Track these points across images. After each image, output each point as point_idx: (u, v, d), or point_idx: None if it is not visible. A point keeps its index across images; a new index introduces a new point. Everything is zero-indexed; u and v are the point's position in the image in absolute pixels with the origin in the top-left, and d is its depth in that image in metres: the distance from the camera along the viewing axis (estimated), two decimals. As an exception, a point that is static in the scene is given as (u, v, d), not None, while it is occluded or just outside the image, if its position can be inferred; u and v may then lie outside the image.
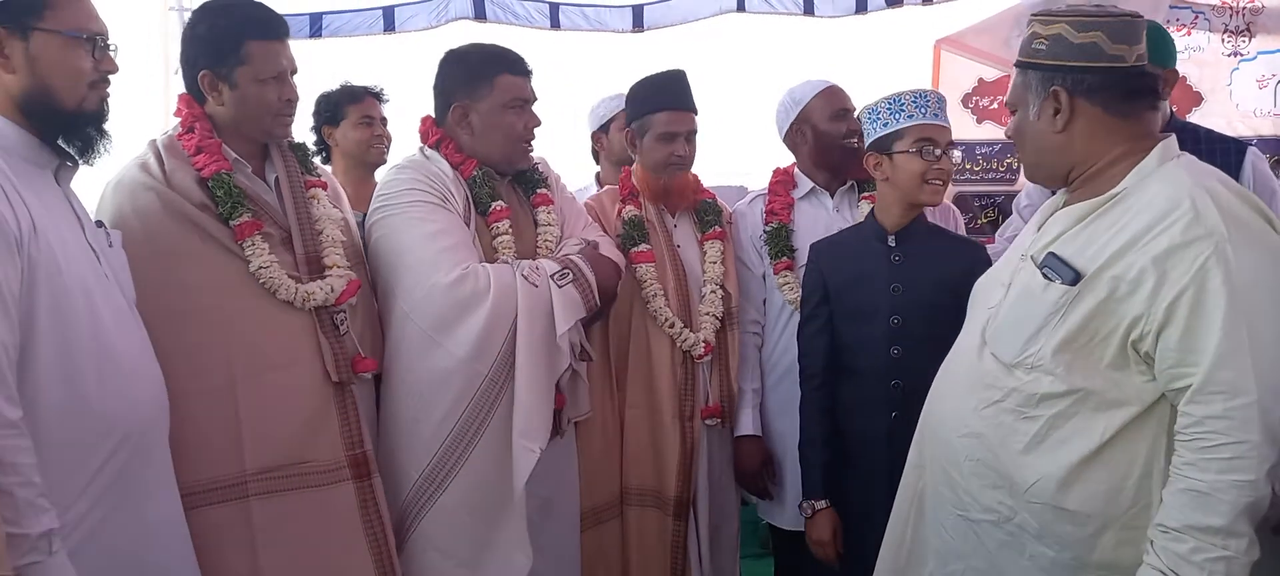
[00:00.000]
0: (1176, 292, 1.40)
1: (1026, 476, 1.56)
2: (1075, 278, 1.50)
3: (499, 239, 2.26)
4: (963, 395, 1.68)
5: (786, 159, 2.76)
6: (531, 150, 2.36)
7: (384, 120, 3.26)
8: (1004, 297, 1.66)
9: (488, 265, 2.15)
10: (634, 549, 2.49)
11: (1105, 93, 1.55)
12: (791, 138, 2.67)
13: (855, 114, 2.55)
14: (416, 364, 2.12)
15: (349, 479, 2.07)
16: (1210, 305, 1.38)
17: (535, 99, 2.34)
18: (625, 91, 2.81)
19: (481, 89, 2.26)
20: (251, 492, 1.97)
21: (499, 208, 2.28)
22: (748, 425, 2.57)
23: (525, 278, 2.12)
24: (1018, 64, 1.66)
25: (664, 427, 2.47)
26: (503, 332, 2.08)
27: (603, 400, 2.46)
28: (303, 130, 2.50)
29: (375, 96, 3.26)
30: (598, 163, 3.52)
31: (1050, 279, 1.54)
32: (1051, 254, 1.56)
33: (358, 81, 3.28)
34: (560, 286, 2.14)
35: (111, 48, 1.71)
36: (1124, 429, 1.48)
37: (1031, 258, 1.61)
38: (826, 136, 2.58)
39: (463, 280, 2.09)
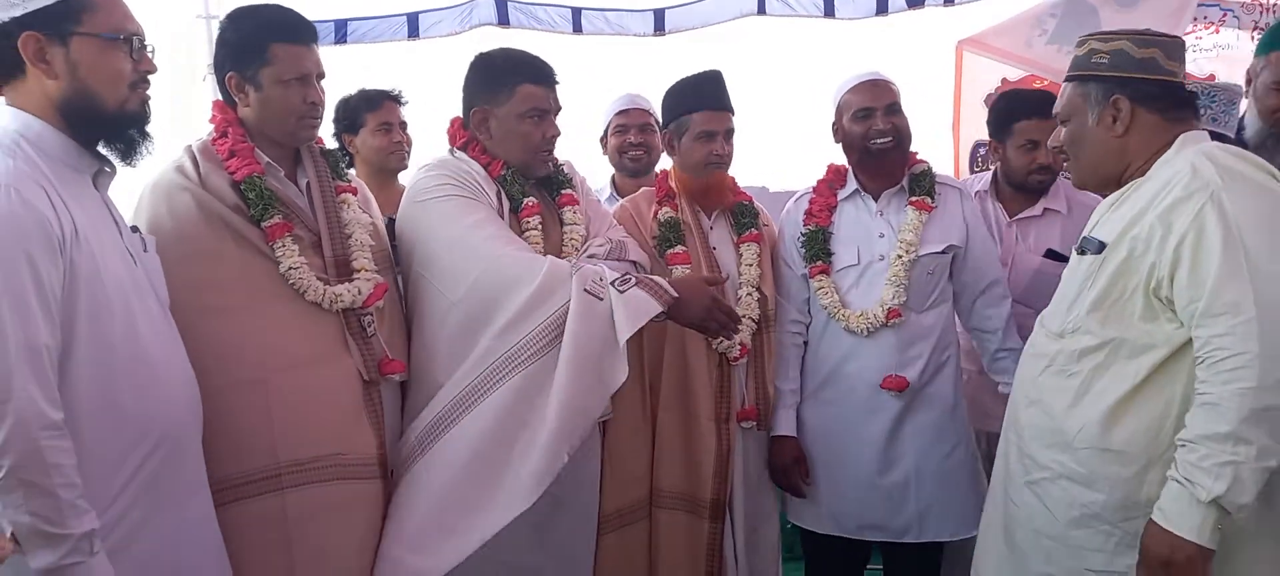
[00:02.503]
0: (1180, 237, 1.61)
1: (1072, 427, 1.75)
2: (1101, 247, 1.75)
3: (528, 234, 2.26)
4: (1026, 371, 1.92)
5: (806, 154, 2.75)
6: (550, 159, 2.36)
7: (403, 124, 3.26)
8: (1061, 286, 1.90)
9: (550, 257, 2.13)
10: (662, 552, 2.48)
11: (1161, 101, 1.76)
12: (835, 133, 2.64)
13: (885, 110, 2.50)
14: (457, 348, 2.11)
15: (378, 477, 2.10)
16: (1208, 240, 1.58)
17: (557, 109, 2.33)
18: (611, 100, 2.85)
19: (502, 95, 2.27)
20: (285, 485, 2.00)
21: (530, 203, 2.29)
22: (784, 425, 2.56)
23: (585, 289, 2.05)
24: (1074, 77, 1.85)
25: (699, 430, 2.45)
26: (540, 316, 2.03)
27: (634, 402, 2.45)
28: (324, 137, 2.53)
29: (394, 100, 3.26)
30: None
31: (1083, 254, 1.80)
32: (1086, 236, 1.82)
33: (380, 87, 3.29)
34: (622, 291, 2.06)
35: (149, 48, 1.72)
36: (1157, 371, 1.67)
37: (1077, 247, 1.85)
38: (850, 135, 2.54)
39: (530, 261, 2.08)
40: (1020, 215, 2.77)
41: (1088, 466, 1.73)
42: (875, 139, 2.50)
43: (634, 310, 2.04)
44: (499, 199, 2.26)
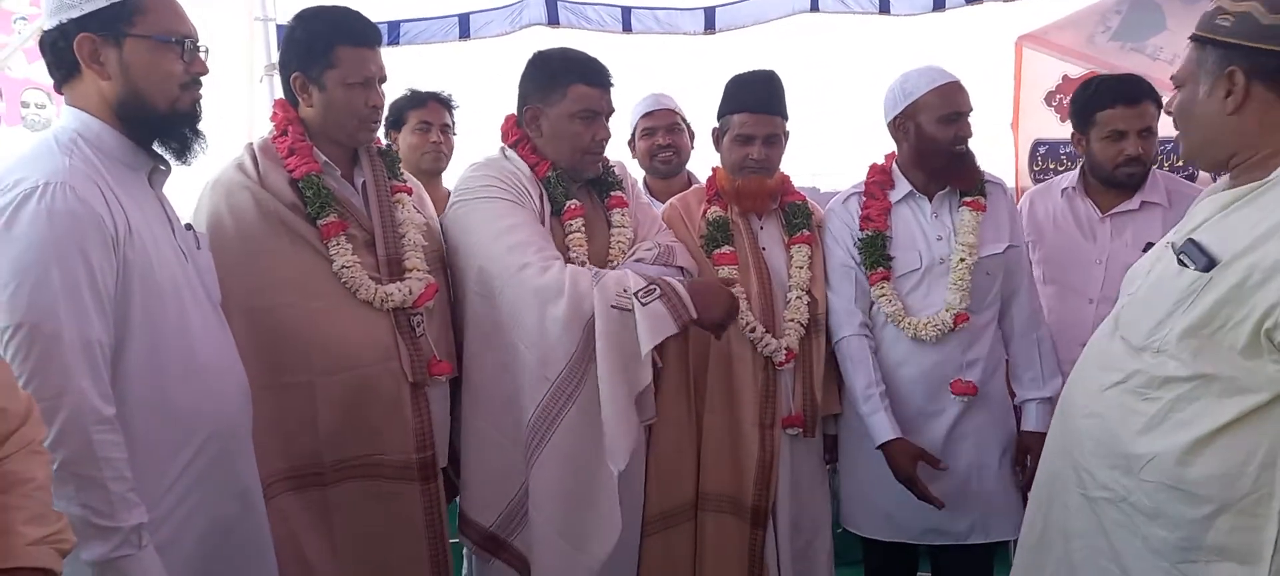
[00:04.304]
0: None
1: (1142, 455, 1.55)
2: (1209, 264, 1.47)
3: (571, 237, 2.26)
4: (1090, 377, 1.69)
5: (860, 153, 2.67)
6: (598, 161, 2.35)
7: (446, 127, 3.27)
8: (1143, 283, 1.65)
9: (571, 267, 2.13)
10: (709, 555, 2.44)
11: None
12: (894, 129, 2.53)
13: (968, 115, 2.44)
14: (497, 355, 2.15)
15: (416, 480, 2.11)
16: None
17: (609, 110, 2.31)
18: (635, 102, 2.81)
19: (554, 95, 2.26)
20: (328, 482, 2.04)
21: (573, 206, 2.28)
22: (887, 428, 2.41)
23: (611, 305, 2.06)
24: (1195, 38, 1.60)
25: (743, 435, 2.42)
26: (574, 340, 2.06)
27: (679, 404, 2.43)
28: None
29: (441, 102, 3.27)
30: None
31: (1185, 265, 1.51)
32: (1190, 240, 1.53)
33: (429, 87, 3.31)
34: (645, 304, 2.06)
35: (201, 49, 1.75)
36: (1248, 414, 1.44)
37: (1172, 244, 1.58)
38: (933, 140, 2.44)
39: (544, 270, 2.08)
40: (1115, 209, 2.63)
41: (1154, 500, 1.54)
42: (960, 144, 2.44)
43: (654, 325, 2.04)
44: (541, 201, 2.26)
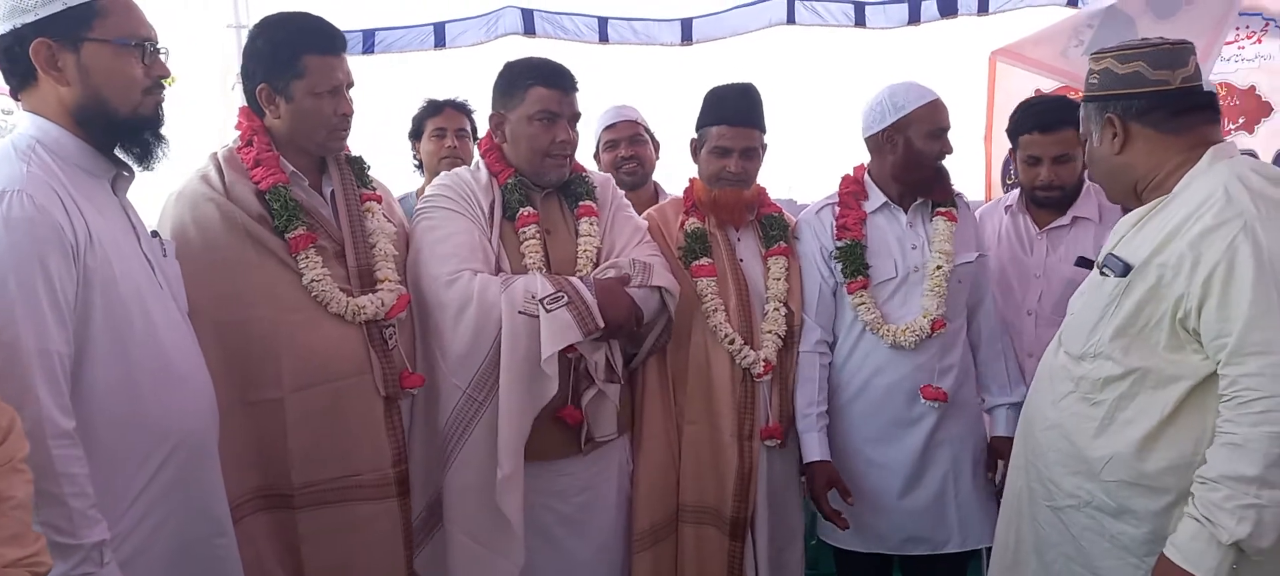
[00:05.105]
0: (1210, 268, 1.54)
1: (1100, 457, 1.70)
2: (1126, 270, 1.68)
3: (526, 244, 2.24)
4: (1045, 393, 1.85)
5: (836, 165, 2.68)
6: (563, 164, 2.32)
7: (461, 131, 3.29)
8: (1079, 303, 1.84)
9: (481, 276, 2.15)
10: (690, 566, 2.43)
11: (1154, 114, 1.72)
12: (879, 141, 2.53)
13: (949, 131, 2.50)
14: (428, 365, 2.19)
15: (394, 496, 2.08)
16: (1239, 275, 1.52)
17: (570, 113, 2.29)
18: (597, 114, 2.81)
19: (515, 99, 2.27)
20: (298, 504, 1.99)
21: (526, 213, 2.27)
22: (816, 449, 2.47)
23: (518, 311, 2.08)
24: (1083, 99, 1.85)
25: (723, 446, 2.41)
26: (484, 349, 2.09)
27: (657, 416, 2.42)
28: (364, 146, 2.58)
29: (456, 108, 3.31)
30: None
31: (1106, 275, 1.73)
32: (1110, 254, 1.75)
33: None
34: (549, 310, 2.08)
35: (162, 51, 1.71)
36: (1184, 403, 1.61)
37: (1099, 263, 1.78)
38: (920, 154, 2.46)
39: (451, 283, 2.13)
40: (1050, 226, 2.71)
41: (1117, 498, 1.68)
42: (942, 158, 2.49)
43: (557, 332, 2.07)
44: (491, 209, 2.26)
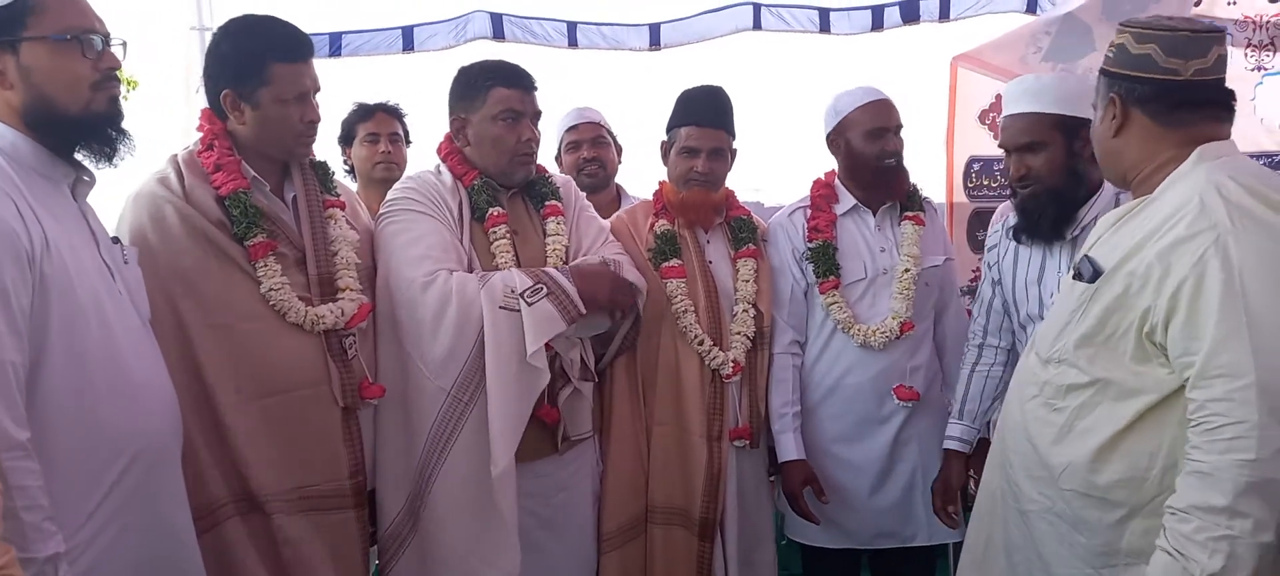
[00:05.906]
0: (1178, 283, 1.45)
1: (1057, 464, 1.63)
2: (1095, 275, 1.59)
3: (497, 244, 2.25)
4: (1016, 394, 1.80)
5: (802, 168, 2.73)
6: (528, 163, 2.34)
7: (394, 136, 3.26)
8: (1053, 305, 1.79)
9: (457, 275, 2.13)
10: (659, 567, 2.45)
11: (1155, 103, 1.61)
12: (831, 145, 2.61)
13: (895, 130, 2.52)
14: (399, 370, 2.15)
15: (351, 506, 2.07)
16: (1208, 293, 1.43)
17: (532, 112, 2.31)
18: (560, 116, 2.86)
19: (476, 101, 2.27)
20: (270, 510, 1.98)
21: (495, 213, 2.27)
22: (791, 448, 2.52)
23: (499, 306, 2.08)
24: (1099, 71, 1.73)
25: (691, 447, 2.43)
26: (467, 348, 2.08)
27: (626, 417, 2.44)
28: (327, 149, 2.58)
29: (388, 112, 3.27)
30: None
31: (1078, 278, 1.64)
32: (1085, 256, 1.66)
33: (375, 100, 3.31)
34: (531, 303, 2.08)
35: (115, 43, 1.64)
36: (1144, 417, 1.53)
37: (1073, 263, 1.71)
38: (860, 154, 2.52)
39: (428, 285, 2.10)
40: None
41: (1073, 508, 1.62)
42: (888, 158, 2.52)
43: (541, 324, 2.07)
44: (460, 210, 2.26)
